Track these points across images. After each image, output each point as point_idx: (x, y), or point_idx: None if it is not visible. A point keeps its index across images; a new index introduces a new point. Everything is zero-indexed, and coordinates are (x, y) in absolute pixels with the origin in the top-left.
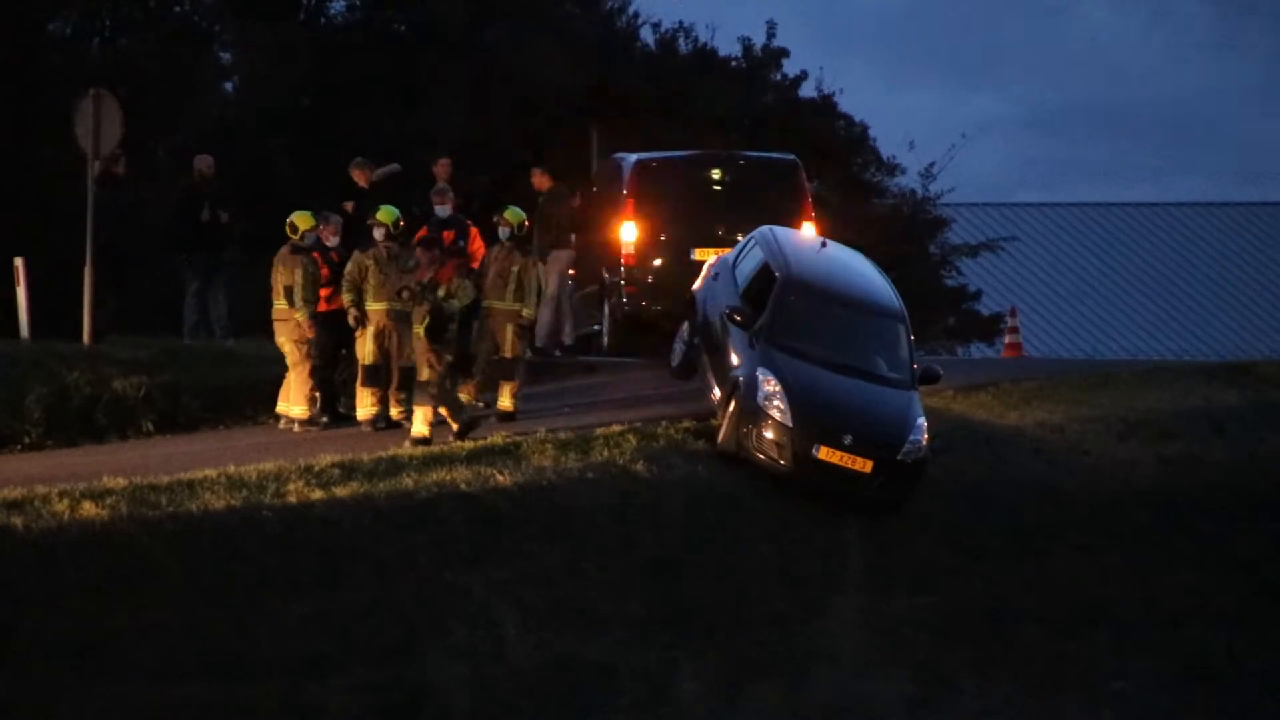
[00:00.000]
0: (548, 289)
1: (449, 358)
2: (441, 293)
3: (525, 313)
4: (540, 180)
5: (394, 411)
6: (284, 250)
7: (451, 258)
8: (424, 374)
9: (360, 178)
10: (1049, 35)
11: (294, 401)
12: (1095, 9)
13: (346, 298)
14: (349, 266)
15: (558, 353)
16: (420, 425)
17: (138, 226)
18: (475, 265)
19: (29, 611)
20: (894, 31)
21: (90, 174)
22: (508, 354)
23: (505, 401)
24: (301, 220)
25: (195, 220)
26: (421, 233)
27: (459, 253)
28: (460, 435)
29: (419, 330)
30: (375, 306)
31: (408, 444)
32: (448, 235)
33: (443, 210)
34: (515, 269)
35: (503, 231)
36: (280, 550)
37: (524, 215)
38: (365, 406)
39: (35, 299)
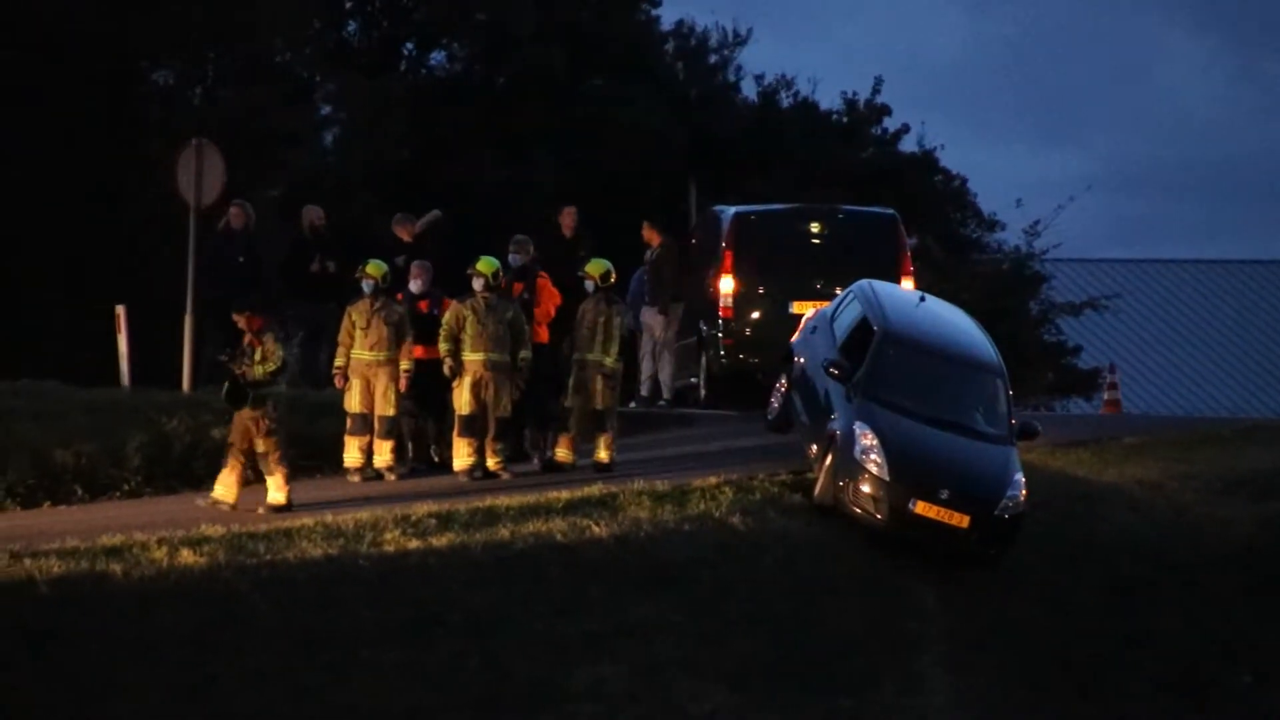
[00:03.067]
0: (660, 341)
1: (270, 424)
2: (258, 356)
3: (607, 363)
4: (650, 235)
5: (490, 462)
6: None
7: (265, 321)
8: (260, 446)
9: (403, 233)
10: (1131, 94)
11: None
12: (1178, 68)
13: (443, 348)
14: (447, 316)
15: (662, 402)
16: (275, 493)
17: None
18: (539, 318)
19: (127, 659)
20: (976, 88)
21: (193, 223)
22: (599, 406)
23: (601, 454)
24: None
25: (304, 271)
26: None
27: (524, 305)
28: (275, 509)
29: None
30: (473, 357)
31: (262, 510)
32: (517, 287)
33: (515, 260)
34: (601, 320)
35: (588, 285)
36: (376, 600)
37: (607, 265)
38: (462, 457)
39: (136, 347)
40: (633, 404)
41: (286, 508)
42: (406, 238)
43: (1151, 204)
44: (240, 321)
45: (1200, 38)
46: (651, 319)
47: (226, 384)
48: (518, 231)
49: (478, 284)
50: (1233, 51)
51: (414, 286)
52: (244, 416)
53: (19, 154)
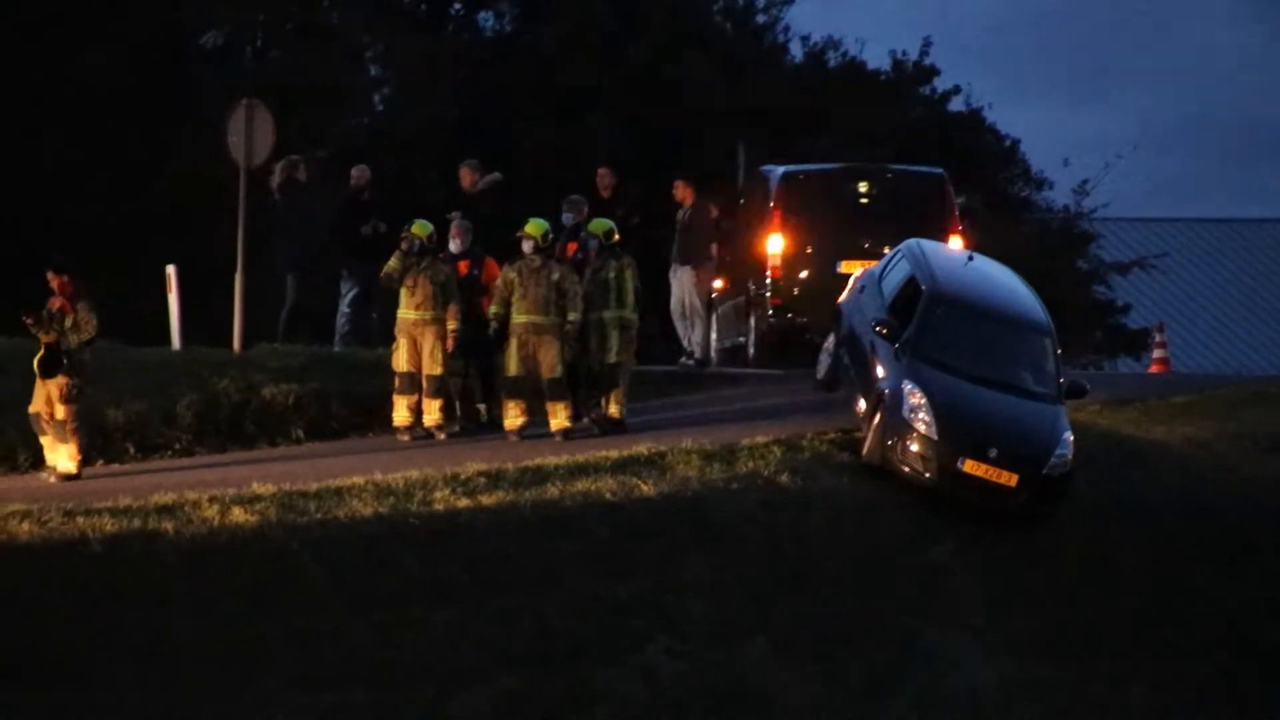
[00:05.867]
0: (692, 300)
1: (73, 392)
2: (69, 324)
3: (625, 315)
4: (683, 193)
5: (553, 422)
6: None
7: (76, 287)
8: (59, 413)
9: (466, 177)
10: (1165, 52)
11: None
12: (1213, 26)
13: (493, 310)
14: (499, 280)
15: (692, 360)
16: (67, 461)
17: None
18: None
19: (179, 616)
20: (1017, 47)
21: (242, 184)
22: (612, 360)
23: (613, 409)
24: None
25: (357, 231)
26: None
27: (577, 266)
28: (67, 478)
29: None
30: (518, 319)
31: (48, 476)
32: (571, 247)
33: (568, 219)
34: (610, 276)
35: (591, 243)
36: (426, 558)
37: (609, 224)
38: (511, 417)
39: (186, 307)
40: (683, 360)
41: (76, 476)
42: (468, 185)
43: (1188, 162)
44: (53, 282)
45: None
46: (684, 278)
47: (41, 353)
48: (567, 191)
49: (527, 246)
50: (1273, 7)
51: (453, 246)
52: (45, 384)
53: (70, 115)
